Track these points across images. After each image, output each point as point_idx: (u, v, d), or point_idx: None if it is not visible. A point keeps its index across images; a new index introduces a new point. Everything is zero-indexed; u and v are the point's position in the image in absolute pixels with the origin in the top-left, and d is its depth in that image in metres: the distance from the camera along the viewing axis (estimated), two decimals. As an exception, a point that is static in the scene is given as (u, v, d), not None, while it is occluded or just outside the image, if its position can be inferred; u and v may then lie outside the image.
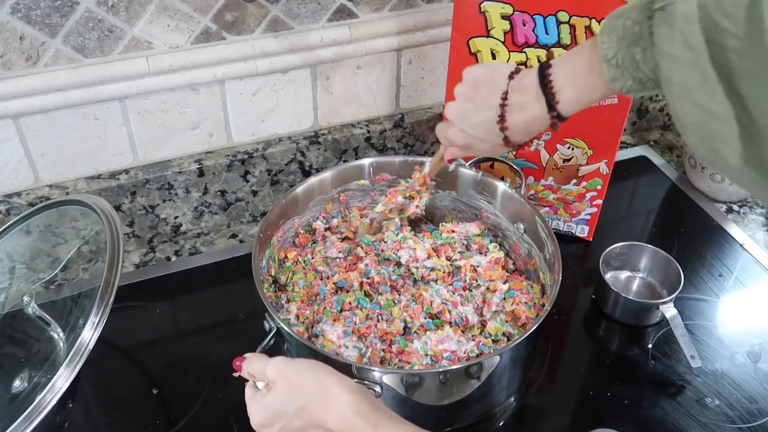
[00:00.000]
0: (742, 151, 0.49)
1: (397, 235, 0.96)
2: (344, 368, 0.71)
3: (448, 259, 0.96)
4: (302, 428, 0.61)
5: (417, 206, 0.94)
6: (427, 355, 0.82)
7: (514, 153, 1.00)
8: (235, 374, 0.68)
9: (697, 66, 0.50)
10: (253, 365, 0.66)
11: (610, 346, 0.96)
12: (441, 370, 0.78)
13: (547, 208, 1.08)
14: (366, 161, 0.99)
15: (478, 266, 0.93)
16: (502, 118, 0.69)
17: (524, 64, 0.93)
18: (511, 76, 0.69)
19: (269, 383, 0.64)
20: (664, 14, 0.53)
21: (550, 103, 0.66)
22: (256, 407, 0.64)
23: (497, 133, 0.70)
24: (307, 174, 1.12)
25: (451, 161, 0.86)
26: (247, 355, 0.68)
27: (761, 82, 0.46)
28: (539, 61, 0.68)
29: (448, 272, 0.93)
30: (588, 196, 1.04)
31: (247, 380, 0.67)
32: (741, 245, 1.09)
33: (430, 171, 0.91)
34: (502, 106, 0.69)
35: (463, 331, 0.86)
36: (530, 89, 0.67)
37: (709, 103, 0.50)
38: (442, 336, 0.84)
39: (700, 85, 0.50)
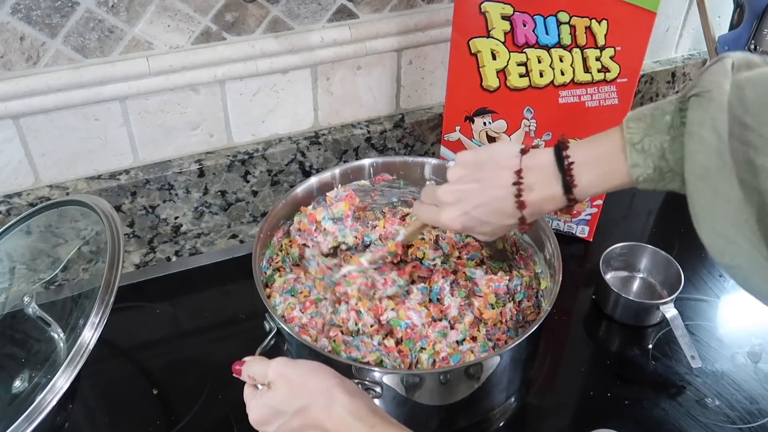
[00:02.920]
0: (755, 242, 0.52)
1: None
2: (344, 368, 0.71)
3: (459, 258, 0.97)
4: (300, 428, 0.62)
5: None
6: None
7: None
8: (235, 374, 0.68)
9: (719, 152, 0.53)
10: (253, 368, 0.66)
11: (610, 346, 0.96)
12: (441, 370, 0.78)
13: (548, 209, 1.08)
14: (366, 161, 0.99)
15: (473, 276, 0.93)
16: (519, 197, 0.67)
17: (524, 64, 0.93)
18: (523, 152, 0.68)
19: (270, 383, 0.64)
20: (701, 100, 0.56)
21: (568, 185, 0.65)
22: (255, 405, 0.64)
23: (509, 212, 0.68)
24: (307, 174, 1.12)
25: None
26: (246, 358, 0.68)
27: None
28: (558, 144, 0.67)
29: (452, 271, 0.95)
30: (588, 196, 1.04)
31: None
32: (741, 245, 1.09)
33: (405, 240, 0.87)
34: (518, 184, 0.67)
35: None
36: (546, 169, 0.66)
37: (725, 188, 0.53)
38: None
39: (719, 170, 0.53)
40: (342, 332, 0.84)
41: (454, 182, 0.71)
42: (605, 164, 0.64)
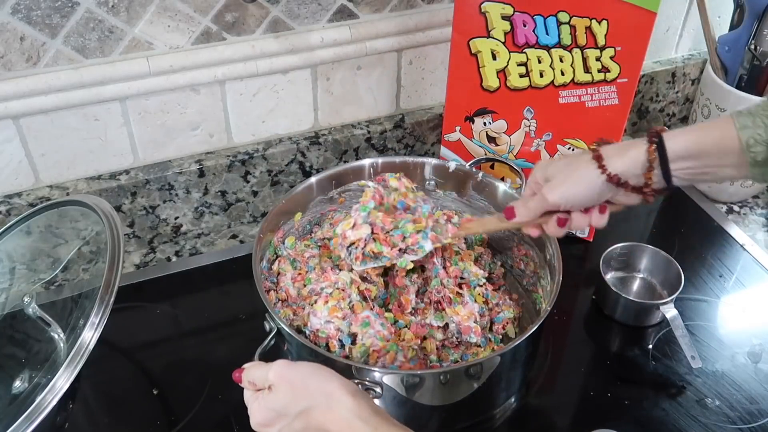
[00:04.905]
0: None
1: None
2: (344, 369, 0.71)
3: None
4: (302, 431, 0.62)
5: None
6: None
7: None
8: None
9: None
10: (253, 373, 0.66)
11: (610, 346, 0.96)
12: (441, 370, 0.78)
13: (548, 209, 1.08)
14: (366, 162, 0.99)
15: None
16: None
17: (524, 64, 0.93)
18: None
19: (271, 386, 0.64)
20: None
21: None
22: (257, 408, 0.64)
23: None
24: (307, 174, 1.12)
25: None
26: (245, 365, 0.67)
27: None
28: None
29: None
30: (588, 196, 1.04)
31: None
32: (741, 246, 1.09)
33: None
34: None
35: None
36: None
37: None
38: None
39: None
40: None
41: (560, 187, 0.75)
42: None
